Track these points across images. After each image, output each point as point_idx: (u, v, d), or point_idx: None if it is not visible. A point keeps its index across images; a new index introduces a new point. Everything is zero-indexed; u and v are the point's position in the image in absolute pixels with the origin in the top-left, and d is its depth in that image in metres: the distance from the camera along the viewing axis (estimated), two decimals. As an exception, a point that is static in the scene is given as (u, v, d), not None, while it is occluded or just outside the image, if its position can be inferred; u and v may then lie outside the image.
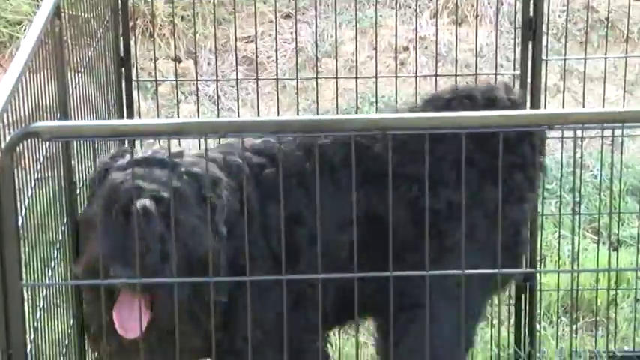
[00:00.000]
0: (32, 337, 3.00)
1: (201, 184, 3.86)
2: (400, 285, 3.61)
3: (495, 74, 5.75)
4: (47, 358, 3.42)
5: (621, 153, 5.38)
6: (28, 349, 2.91)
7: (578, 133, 5.21)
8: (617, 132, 5.11)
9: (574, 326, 5.22)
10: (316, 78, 5.45)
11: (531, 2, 4.92)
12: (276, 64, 5.97)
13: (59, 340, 3.71)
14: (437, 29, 5.96)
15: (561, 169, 5.99)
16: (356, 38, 5.60)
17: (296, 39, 5.65)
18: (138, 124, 3.38)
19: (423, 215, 3.75)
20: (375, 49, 5.94)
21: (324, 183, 4.03)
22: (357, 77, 5.14)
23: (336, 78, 5.21)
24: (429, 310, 3.71)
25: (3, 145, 2.76)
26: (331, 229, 4.15)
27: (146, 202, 3.64)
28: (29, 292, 3.00)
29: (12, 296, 2.81)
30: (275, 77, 5.93)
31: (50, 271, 3.53)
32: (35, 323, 3.14)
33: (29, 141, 3.18)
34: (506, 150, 3.73)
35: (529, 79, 5.01)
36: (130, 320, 3.55)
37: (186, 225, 3.75)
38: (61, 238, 3.76)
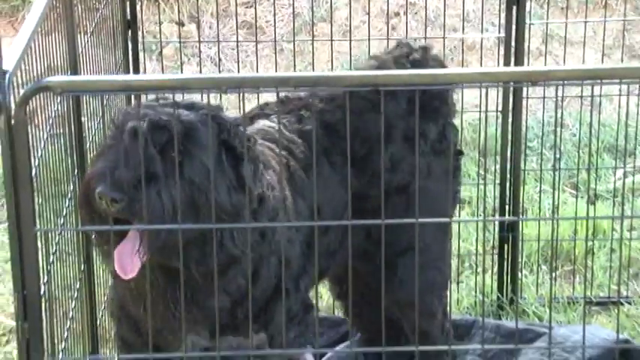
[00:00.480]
0: (45, 280, 3.01)
1: (222, 129, 3.55)
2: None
3: (481, 38, 5.77)
4: (59, 301, 3.43)
5: (599, 112, 5.38)
6: (42, 291, 2.92)
7: (560, 92, 5.24)
8: (596, 92, 5.11)
9: (553, 274, 5.25)
10: (312, 41, 5.46)
11: (516, -32, 4.93)
12: (275, 28, 5.96)
13: (71, 285, 3.73)
14: (426, -5, 5.99)
15: (542, 127, 6.01)
16: (350, 4, 5.61)
17: (293, 4, 5.69)
18: (145, 78, 3.32)
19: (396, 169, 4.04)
20: (368, 13, 5.93)
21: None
22: (350, 40, 5.13)
23: (331, 41, 5.21)
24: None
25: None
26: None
27: (137, 123, 3.35)
28: (42, 239, 3.00)
29: (26, 241, 2.83)
30: (273, 40, 5.93)
31: (62, 219, 3.55)
32: (48, 267, 3.15)
33: (42, 99, 3.21)
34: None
35: (513, 43, 5.01)
36: (126, 260, 3.37)
37: (193, 162, 3.40)
38: (72, 189, 3.77)
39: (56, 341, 3.29)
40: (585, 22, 5.66)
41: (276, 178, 3.81)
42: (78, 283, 3.82)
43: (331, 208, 4.07)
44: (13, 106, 2.76)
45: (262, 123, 4.00)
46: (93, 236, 3.64)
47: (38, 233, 2.90)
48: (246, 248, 3.34)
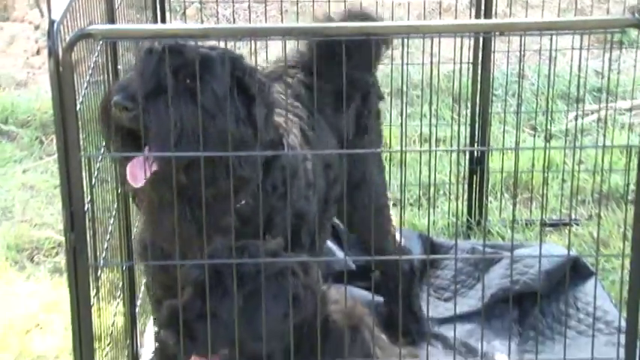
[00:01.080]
0: (88, 199, 3.02)
1: (237, 67, 3.37)
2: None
3: (456, 1, 5.74)
4: (99, 219, 3.43)
5: (554, 65, 5.36)
6: (85, 208, 2.94)
7: (522, 47, 5.21)
8: (552, 46, 5.09)
9: (514, 201, 5.25)
10: (313, 2, 5.39)
11: None
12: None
13: (109, 206, 3.75)
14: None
15: (507, 77, 6.01)
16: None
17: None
18: (174, 27, 3.30)
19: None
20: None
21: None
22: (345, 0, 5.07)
23: (328, 2, 5.11)
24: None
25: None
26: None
27: (156, 44, 3.25)
28: (85, 164, 3.00)
29: (72, 165, 2.84)
30: (280, 1, 5.90)
31: (102, 149, 3.55)
32: (91, 189, 3.16)
33: (84, 49, 3.21)
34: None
35: (483, 6, 4.96)
36: (137, 170, 3.24)
37: (204, 87, 3.21)
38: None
39: (98, 252, 3.31)
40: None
41: (297, 140, 3.75)
42: (115, 204, 3.84)
43: (335, 159, 4.03)
44: (60, 51, 2.76)
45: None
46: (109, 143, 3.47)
47: (82, 159, 2.91)
48: (254, 172, 3.31)
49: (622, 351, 3.09)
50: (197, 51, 3.22)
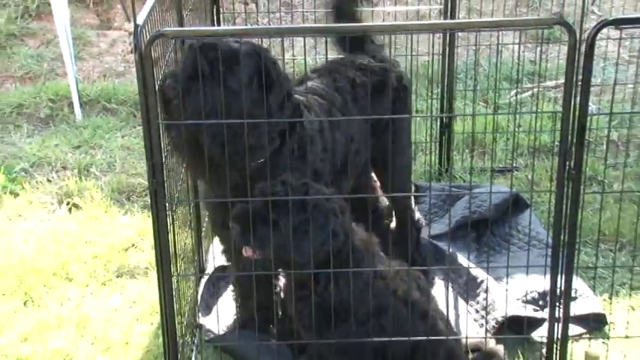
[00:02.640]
0: (165, 154, 2.99)
1: (260, 59, 3.21)
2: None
3: (429, 9, 5.65)
4: (174, 171, 3.42)
5: (501, 56, 5.30)
6: (163, 161, 2.91)
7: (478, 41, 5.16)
8: (499, 41, 5.04)
9: (472, 154, 5.22)
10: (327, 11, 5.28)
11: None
12: (303, 5, 5.89)
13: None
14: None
15: (466, 65, 5.96)
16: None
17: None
18: (223, 28, 3.22)
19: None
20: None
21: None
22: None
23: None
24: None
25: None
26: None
27: (194, 41, 3.16)
28: (162, 129, 2.98)
29: (153, 129, 2.82)
30: (302, 12, 5.85)
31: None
32: (166, 147, 3.13)
33: (160, 48, 3.17)
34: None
35: (449, 13, 4.89)
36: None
37: (231, 74, 3.12)
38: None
39: (173, 193, 3.30)
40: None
41: (316, 116, 3.62)
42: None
43: (359, 135, 3.87)
44: (143, 47, 2.74)
45: (310, 83, 3.76)
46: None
47: (160, 125, 2.88)
48: (260, 142, 3.19)
49: (549, 260, 3.07)
50: (228, 46, 3.13)
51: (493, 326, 3.71)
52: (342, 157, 3.74)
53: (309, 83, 3.74)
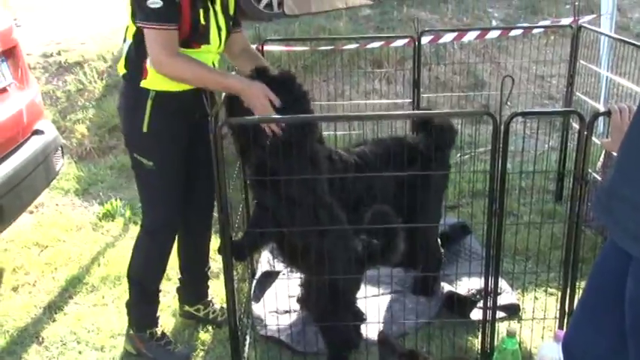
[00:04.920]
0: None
1: (297, 90, 2.90)
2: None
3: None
4: (234, 208, 3.34)
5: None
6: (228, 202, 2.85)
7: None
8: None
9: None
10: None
11: None
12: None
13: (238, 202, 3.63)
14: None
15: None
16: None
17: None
18: (285, 116, 2.82)
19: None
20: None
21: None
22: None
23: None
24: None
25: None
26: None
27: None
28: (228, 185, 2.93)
29: (222, 187, 2.76)
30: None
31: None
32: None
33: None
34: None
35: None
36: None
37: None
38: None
39: (234, 222, 3.24)
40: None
41: (333, 155, 3.19)
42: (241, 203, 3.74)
43: (381, 189, 3.30)
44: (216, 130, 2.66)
45: (359, 147, 3.41)
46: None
47: (227, 181, 2.81)
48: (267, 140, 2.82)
49: (483, 268, 3.03)
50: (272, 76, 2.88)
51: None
52: (355, 196, 3.27)
53: (358, 148, 3.46)
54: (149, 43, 2.69)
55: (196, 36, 2.78)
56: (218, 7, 2.90)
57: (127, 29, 2.87)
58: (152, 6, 2.62)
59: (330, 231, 2.89)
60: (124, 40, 2.89)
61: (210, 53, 2.91)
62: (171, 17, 2.67)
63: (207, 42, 2.86)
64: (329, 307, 3.08)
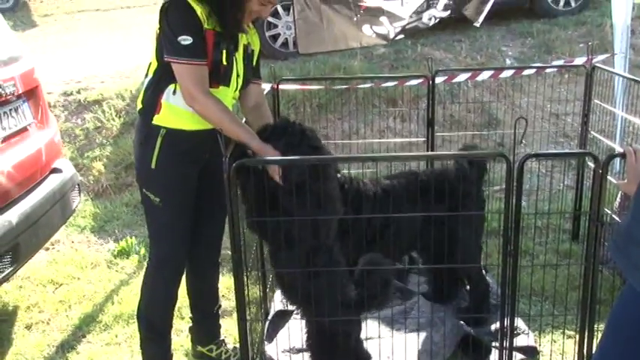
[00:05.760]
0: (243, 239, 2.92)
1: (310, 138, 2.90)
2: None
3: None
4: (249, 245, 3.34)
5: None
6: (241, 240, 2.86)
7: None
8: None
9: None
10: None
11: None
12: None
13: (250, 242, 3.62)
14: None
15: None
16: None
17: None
18: (298, 157, 2.85)
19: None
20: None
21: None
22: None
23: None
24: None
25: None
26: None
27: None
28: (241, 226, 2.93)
29: (236, 225, 2.77)
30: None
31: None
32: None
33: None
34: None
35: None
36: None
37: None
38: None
39: (247, 261, 3.21)
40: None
41: (351, 185, 3.27)
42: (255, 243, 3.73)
43: (405, 222, 3.36)
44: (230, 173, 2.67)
45: (385, 181, 3.48)
46: None
47: (241, 226, 2.84)
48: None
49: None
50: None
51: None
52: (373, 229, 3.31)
53: (387, 181, 3.50)
54: (180, 77, 2.72)
55: (217, 76, 2.81)
56: (239, 56, 2.93)
57: (149, 65, 2.92)
58: (183, 42, 2.67)
59: (323, 274, 2.82)
60: (146, 76, 2.92)
61: (227, 96, 2.92)
62: (200, 53, 2.72)
63: (227, 84, 2.89)
64: (325, 349, 3.05)
